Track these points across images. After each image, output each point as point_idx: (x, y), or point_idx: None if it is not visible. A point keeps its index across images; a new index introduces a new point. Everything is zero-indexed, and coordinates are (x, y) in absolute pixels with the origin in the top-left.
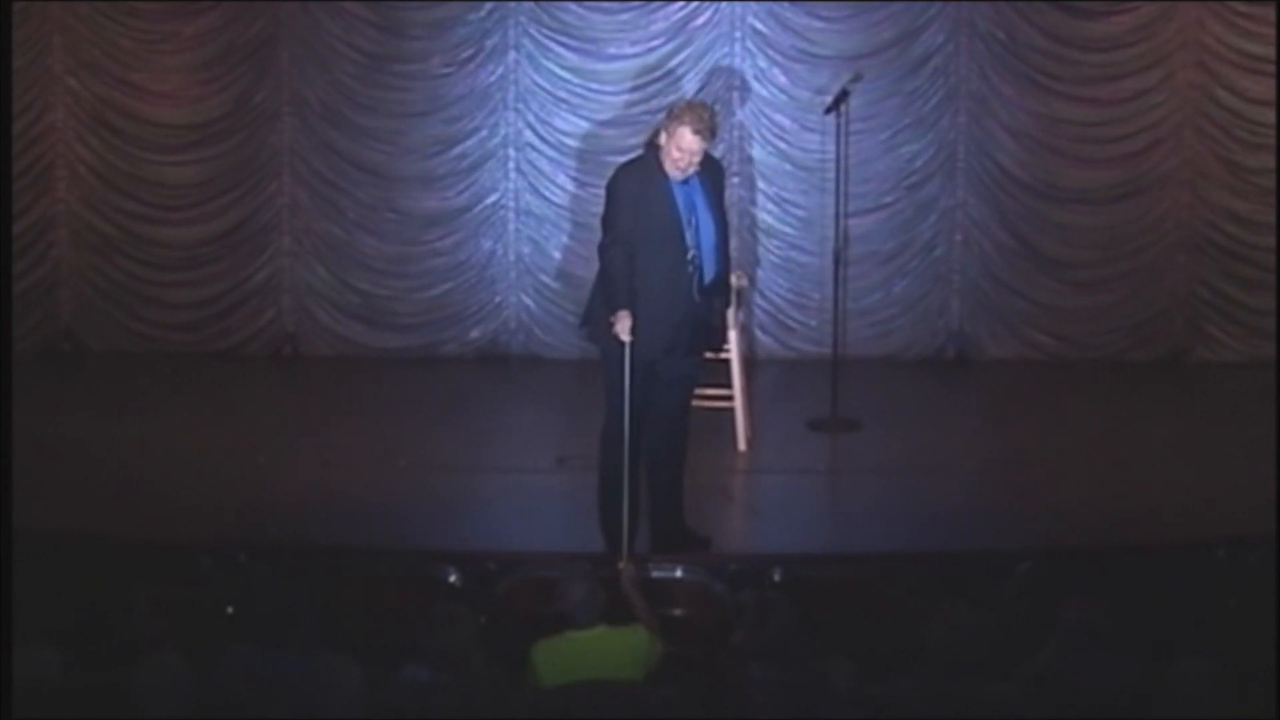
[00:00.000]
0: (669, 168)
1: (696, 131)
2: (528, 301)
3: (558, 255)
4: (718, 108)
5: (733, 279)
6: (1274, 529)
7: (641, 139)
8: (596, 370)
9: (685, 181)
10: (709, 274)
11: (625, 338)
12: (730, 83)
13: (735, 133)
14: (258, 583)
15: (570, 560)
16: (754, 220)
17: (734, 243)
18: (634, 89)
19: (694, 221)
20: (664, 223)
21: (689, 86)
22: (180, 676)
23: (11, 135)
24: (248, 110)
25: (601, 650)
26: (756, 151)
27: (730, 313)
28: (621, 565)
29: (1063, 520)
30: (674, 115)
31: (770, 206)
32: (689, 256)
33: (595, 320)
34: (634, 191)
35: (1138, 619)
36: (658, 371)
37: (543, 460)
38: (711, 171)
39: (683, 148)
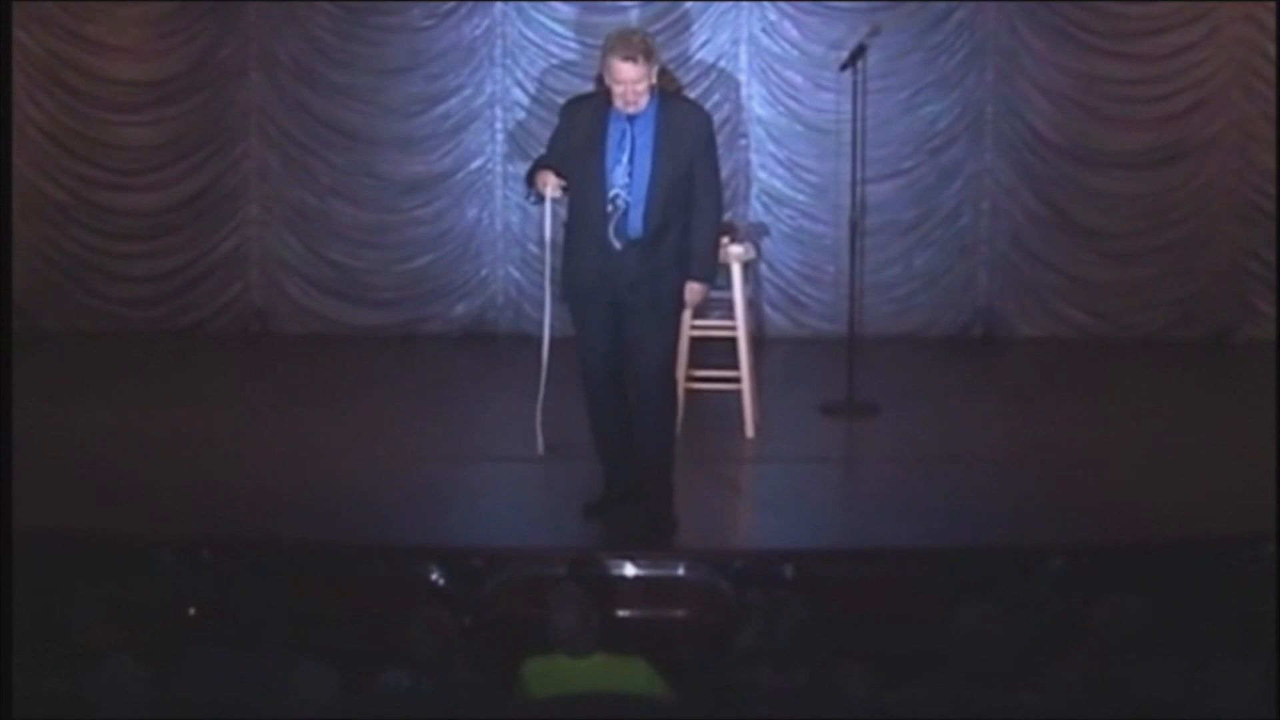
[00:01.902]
0: (616, 102)
1: (626, 58)
2: (516, 275)
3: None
4: (723, 64)
5: (736, 251)
6: None
7: None
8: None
9: (632, 119)
10: (636, 224)
11: (545, 190)
12: (737, 36)
13: (743, 91)
14: (223, 582)
15: (563, 557)
16: (763, 187)
17: (740, 210)
18: None
19: (626, 161)
20: (587, 155)
21: (694, 41)
22: (139, 682)
23: (11, 135)
24: (212, 66)
25: (598, 682)
26: (765, 111)
27: (737, 291)
28: None
29: (1097, 513)
30: (604, 48)
31: (780, 171)
32: (610, 195)
33: (562, 276)
34: (571, 118)
35: (1178, 620)
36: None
37: (533, 449)
38: (680, 118)
39: (617, 78)
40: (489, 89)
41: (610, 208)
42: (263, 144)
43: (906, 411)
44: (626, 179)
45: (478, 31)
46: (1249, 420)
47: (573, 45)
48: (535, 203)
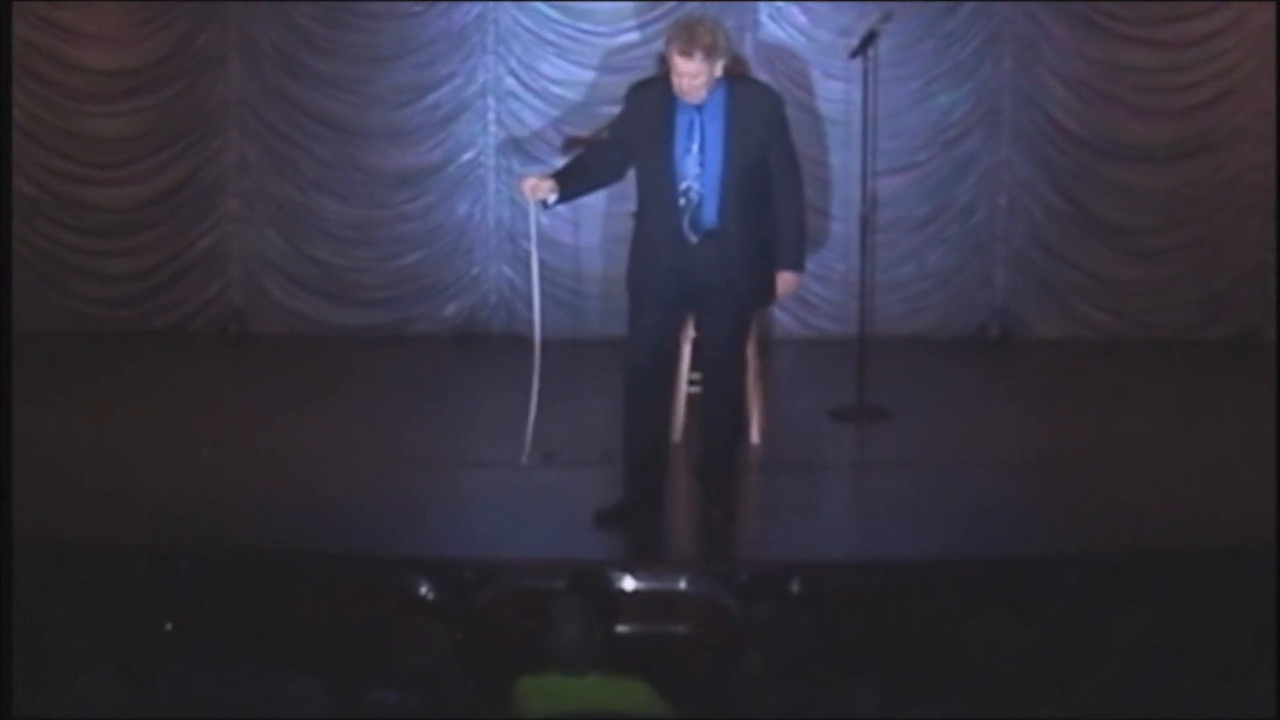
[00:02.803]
0: (678, 93)
1: (683, 52)
2: (509, 273)
3: (545, 220)
4: None
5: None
6: None
7: None
8: (588, 351)
9: (700, 107)
10: (711, 216)
11: (527, 188)
12: (741, 23)
13: None
14: (201, 594)
15: (560, 569)
16: None
17: None
18: (632, 29)
19: (696, 151)
20: (654, 145)
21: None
22: (114, 699)
23: (11, 134)
24: (190, 54)
25: (596, 704)
26: None
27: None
28: None
29: (1119, 522)
30: (667, 33)
31: None
32: (681, 188)
33: (629, 267)
34: (636, 104)
35: (1204, 633)
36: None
37: (528, 454)
38: (750, 102)
39: (678, 71)
40: (481, 78)
41: (683, 201)
42: (243, 136)
43: (919, 416)
44: (698, 169)
45: (469, 17)
46: (1277, 424)
47: (569, 31)
48: (551, 206)
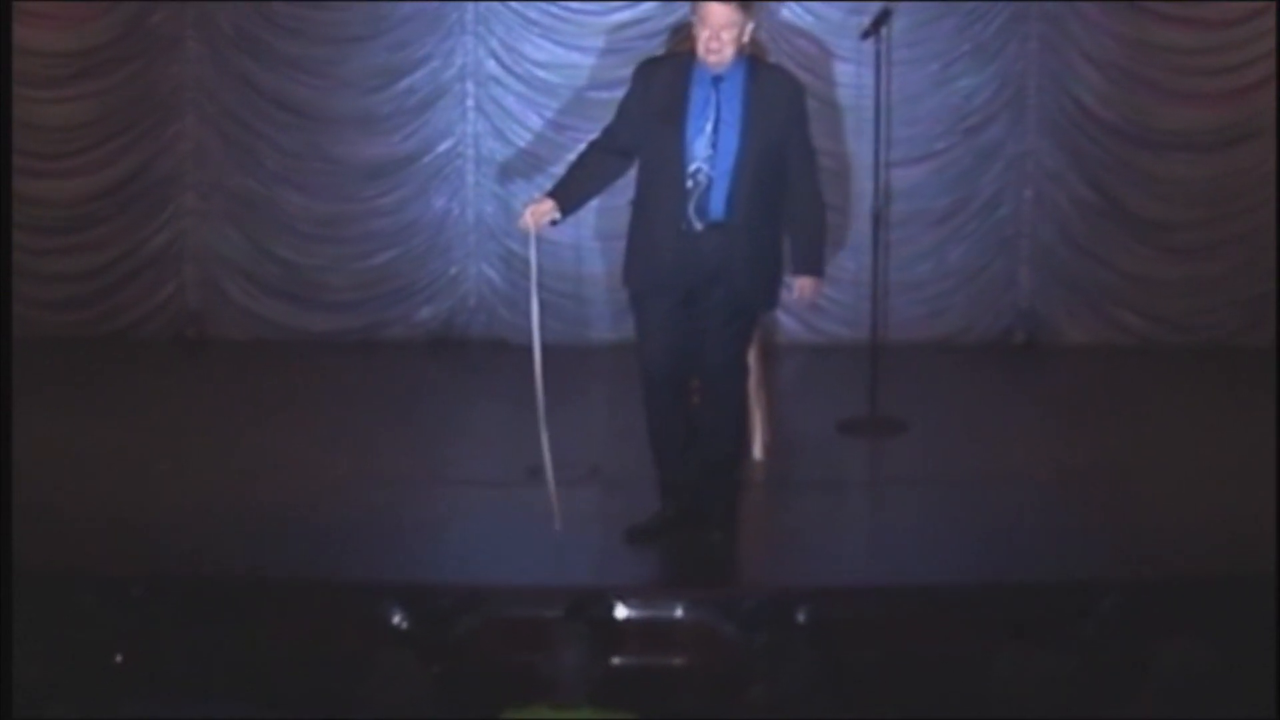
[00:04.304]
0: (699, 48)
1: None
2: (490, 273)
3: (521, 208)
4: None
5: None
6: None
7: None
8: (575, 357)
9: (718, 82)
10: (718, 204)
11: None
12: None
13: None
14: (156, 623)
15: (546, 596)
16: None
17: None
18: (625, 7)
19: (710, 131)
20: (665, 123)
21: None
22: None
23: (11, 135)
24: (143, 34)
25: None
26: None
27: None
28: None
29: (1157, 543)
30: None
31: None
32: (690, 169)
33: (626, 259)
34: (646, 81)
35: (1250, 663)
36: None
37: (511, 471)
38: (772, 86)
39: (707, 21)
40: (459, 60)
41: (690, 183)
42: (200, 123)
43: (937, 429)
44: (710, 150)
45: None
46: None
47: (555, 10)
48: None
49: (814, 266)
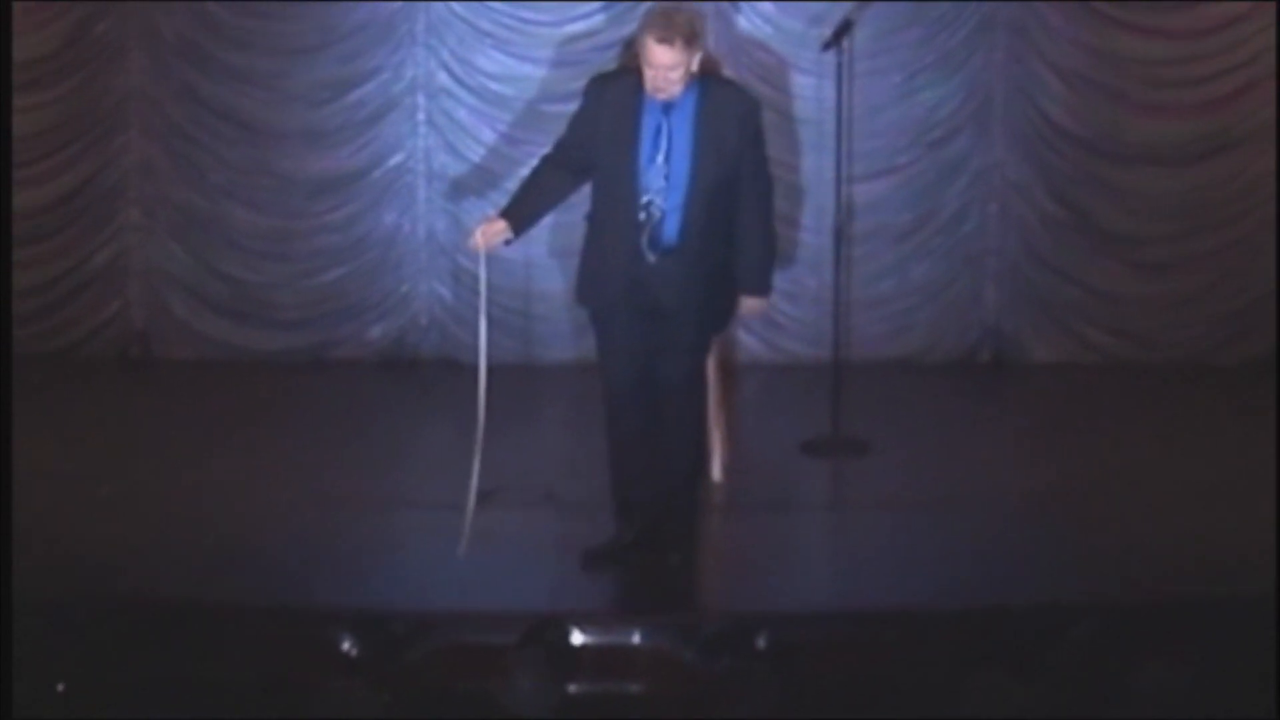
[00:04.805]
0: (649, 91)
1: (661, 40)
2: (442, 291)
3: (473, 227)
4: None
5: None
6: None
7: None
8: (529, 377)
9: (669, 109)
10: (672, 234)
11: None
12: (702, 11)
13: None
14: (99, 650)
15: (500, 622)
16: None
17: None
18: (579, 18)
19: (662, 161)
20: (617, 151)
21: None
22: None
23: (11, 135)
24: (86, 45)
25: None
26: None
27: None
28: None
29: (1130, 567)
30: (641, 22)
31: None
32: (643, 201)
33: (580, 279)
34: (598, 100)
35: (1227, 688)
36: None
37: (464, 494)
38: (723, 105)
39: (651, 62)
40: (410, 72)
41: (643, 216)
42: (145, 136)
43: (902, 449)
44: (662, 182)
45: (397, 5)
46: None
47: (508, 21)
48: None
49: (760, 287)
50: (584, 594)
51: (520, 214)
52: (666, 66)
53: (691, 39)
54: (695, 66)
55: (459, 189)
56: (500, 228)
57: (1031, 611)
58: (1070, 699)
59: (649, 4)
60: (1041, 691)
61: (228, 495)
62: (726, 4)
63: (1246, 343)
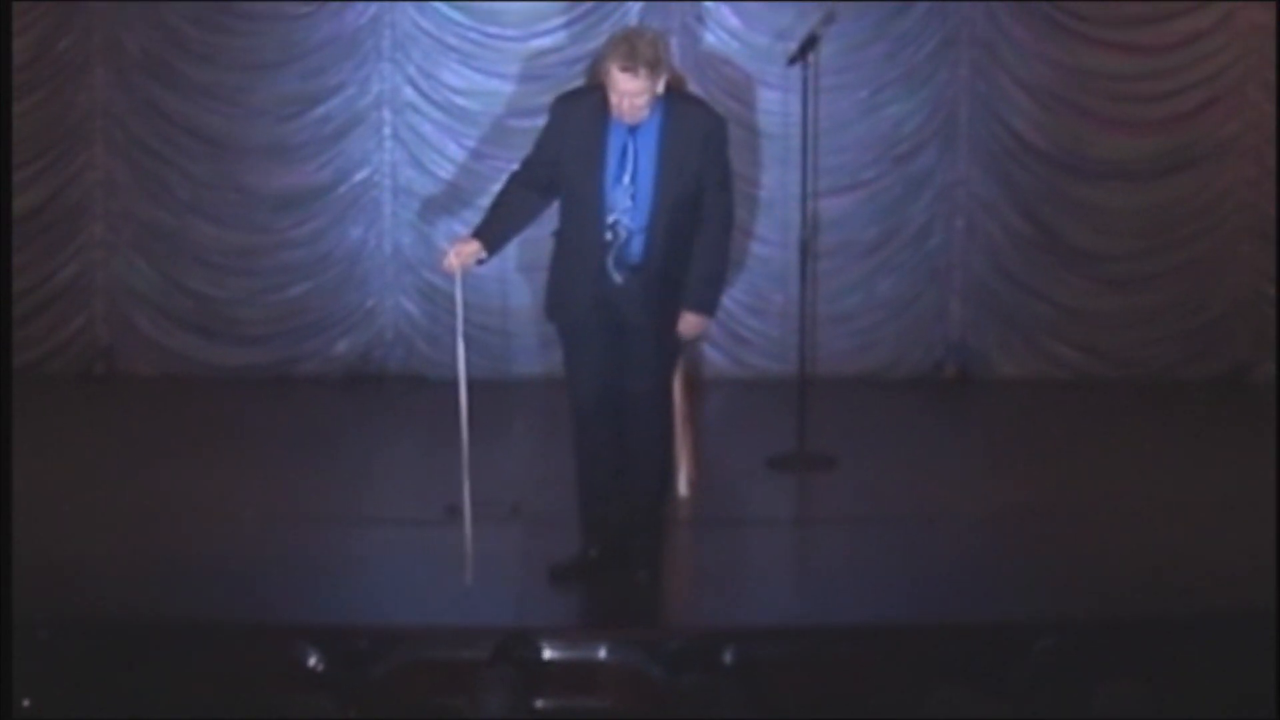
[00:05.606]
0: (615, 115)
1: (625, 68)
2: (408, 306)
3: (447, 247)
4: None
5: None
6: None
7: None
8: (498, 392)
9: (634, 129)
10: (637, 252)
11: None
12: (668, 25)
13: None
14: (62, 666)
15: (467, 637)
16: None
17: None
18: (545, 33)
19: (628, 181)
20: (583, 172)
21: (614, 30)
22: None
23: (11, 135)
24: (49, 60)
25: None
26: None
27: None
28: None
29: (1093, 584)
30: (604, 47)
31: None
32: (608, 221)
33: (548, 296)
34: (564, 119)
35: (1187, 707)
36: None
37: (429, 509)
38: (688, 123)
39: (618, 89)
40: (375, 87)
41: (609, 235)
42: (109, 152)
43: (868, 464)
44: (629, 202)
45: (362, 20)
46: (1271, 473)
47: (474, 36)
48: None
49: (704, 305)
50: (551, 609)
51: (492, 233)
52: (631, 94)
53: (656, 64)
54: (660, 90)
55: (426, 205)
56: (474, 248)
57: (995, 627)
58: (1032, 715)
59: (613, 16)
60: (1004, 708)
61: (192, 511)
62: (692, 19)
63: (1212, 359)
